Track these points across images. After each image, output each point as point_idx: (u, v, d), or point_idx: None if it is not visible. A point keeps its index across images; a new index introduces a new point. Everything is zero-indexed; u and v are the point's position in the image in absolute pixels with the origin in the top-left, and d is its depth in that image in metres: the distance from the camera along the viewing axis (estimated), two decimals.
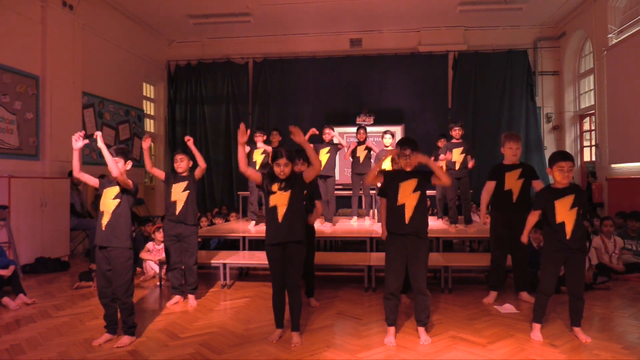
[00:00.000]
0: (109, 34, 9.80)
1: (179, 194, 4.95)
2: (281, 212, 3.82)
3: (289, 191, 3.82)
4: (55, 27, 8.09)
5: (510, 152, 4.95)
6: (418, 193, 3.85)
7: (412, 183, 3.85)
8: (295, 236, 3.84)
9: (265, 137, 7.32)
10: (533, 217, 4.04)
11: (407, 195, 3.83)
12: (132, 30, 10.69)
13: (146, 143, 4.97)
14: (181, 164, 4.97)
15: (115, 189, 3.89)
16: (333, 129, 7.39)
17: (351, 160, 7.56)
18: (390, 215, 3.92)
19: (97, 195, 4.07)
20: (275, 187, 3.84)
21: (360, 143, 7.47)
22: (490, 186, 4.99)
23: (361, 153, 7.43)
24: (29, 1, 7.67)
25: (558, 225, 3.79)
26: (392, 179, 3.94)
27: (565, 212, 3.78)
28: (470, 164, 7.12)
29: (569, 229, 3.76)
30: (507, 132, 5.13)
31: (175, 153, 5.04)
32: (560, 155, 3.84)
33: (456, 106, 11.42)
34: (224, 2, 9.85)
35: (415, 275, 3.84)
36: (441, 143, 7.96)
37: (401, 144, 3.88)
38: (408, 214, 3.81)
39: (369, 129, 11.12)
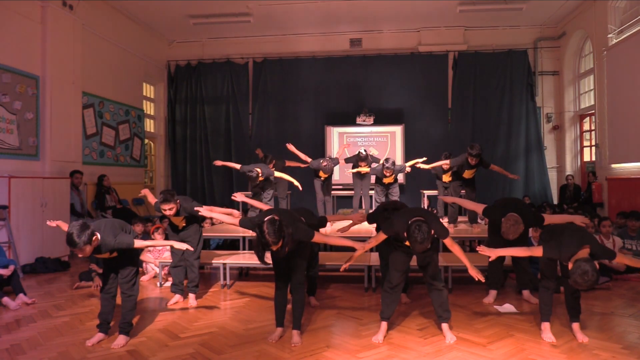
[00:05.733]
0: (109, 34, 9.80)
1: (179, 221, 5.03)
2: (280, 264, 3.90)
3: (287, 259, 3.84)
4: (55, 27, 8.08)
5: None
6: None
7: None
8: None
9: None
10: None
11: None
12: (132, 30, 10.69)
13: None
14: (170, 212, 4.75)
15: (106, 254, 3.78)
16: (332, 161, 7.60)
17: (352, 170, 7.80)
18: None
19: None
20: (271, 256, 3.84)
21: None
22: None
23: (363, 169, 7.68)
24: (29, 1, 7.66)
25: None
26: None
27: None
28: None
29: None
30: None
31: (160, 203, 4.69)
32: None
33: (456, 106, 11.43)
34: (224, 2, 9.85)
35: (426, 271, 3.90)
36: (445, 166, 7.55)
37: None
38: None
39: (368, 129, 11.25)
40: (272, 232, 3.43)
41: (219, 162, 7.16)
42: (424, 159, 7.59)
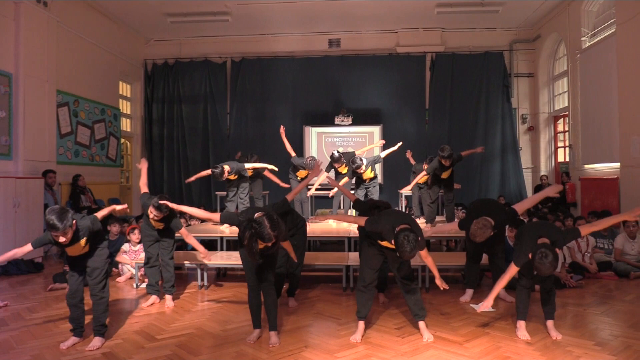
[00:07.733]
0: (84, 31, 9.64)
1: (157, 223, 4.94)
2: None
3: (265, 258, 3.78)
4: (28, 23, 7.91)
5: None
6: None
7: None
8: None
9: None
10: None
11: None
12: (108, 28, 10.53)
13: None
14: (155, 218, 4.75)
15: (82, 241, 3.71)
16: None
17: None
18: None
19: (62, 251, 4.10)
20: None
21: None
22: None
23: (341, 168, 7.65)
24: None
25: None
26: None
27: None
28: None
29: None
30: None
31: (154, 208, 4.66)
32: None
33: (433, 107, 11.54)
34: (202, 1, 9.77)
35: (399, 271, 3.92)
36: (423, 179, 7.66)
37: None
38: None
39: (346, 129, 11.28)
40: (272, 227, 3.38)
41: (190, 179, 7.27)
42: (399, 143, 7.83)
